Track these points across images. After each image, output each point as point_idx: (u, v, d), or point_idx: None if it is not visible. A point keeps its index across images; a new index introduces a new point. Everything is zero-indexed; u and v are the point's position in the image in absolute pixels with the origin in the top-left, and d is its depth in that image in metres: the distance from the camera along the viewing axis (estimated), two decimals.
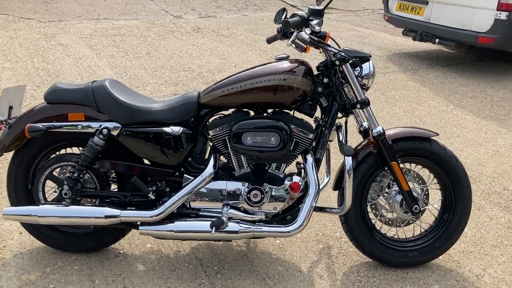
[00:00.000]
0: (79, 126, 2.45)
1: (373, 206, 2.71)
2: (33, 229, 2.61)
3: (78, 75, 5.87)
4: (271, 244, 2.85)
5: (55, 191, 2.60)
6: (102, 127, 2.42)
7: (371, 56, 2.56)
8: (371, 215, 2.71)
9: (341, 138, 2.55)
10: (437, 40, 6.56)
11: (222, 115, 2.54)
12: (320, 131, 2.57)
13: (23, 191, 2.57)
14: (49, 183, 2.60)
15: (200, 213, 2.53)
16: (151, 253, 2.74)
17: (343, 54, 2.45)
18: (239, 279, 2.56)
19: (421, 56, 7.40)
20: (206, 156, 2.60)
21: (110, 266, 2.62)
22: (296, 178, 2.50)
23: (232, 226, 2.44)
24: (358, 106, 2.49)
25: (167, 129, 2.45)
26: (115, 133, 2.44)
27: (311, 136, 2.50)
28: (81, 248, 2.67)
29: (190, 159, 2.55)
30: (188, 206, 2.53)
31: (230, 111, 2.54)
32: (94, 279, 2.52)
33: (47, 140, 2.53)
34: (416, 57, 7.32)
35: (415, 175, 2.68)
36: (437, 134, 2.59)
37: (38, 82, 5.57)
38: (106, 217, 2.41)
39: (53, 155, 2.60)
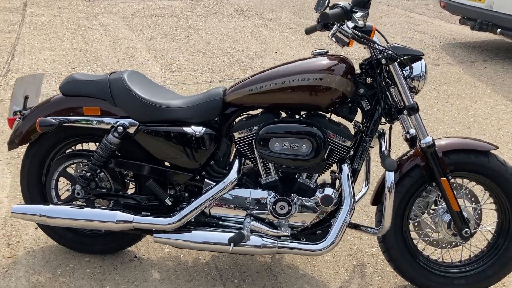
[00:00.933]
0: (94, 122, 2.25)
1: (416, 224, 2.39)
2: (46, 226, 2.46)
3: (114, 57, 5.74)
4: (299, 258, 2.60)
5: (67, 190, 2.43)
6: (117, 124, 2.22)
7: (423, 55, 2.21)
8: (413, 234, 2.40)
9: (383, 148, 2.24)
10: (498, 30, 5.99)
11: (249, 115, 2.28)
12: (360, 137, 2.27)
13: (37, 188, 2.42)
14: (63, 180, 2.44)
15: (220, 222, 2.30)
16: (169, 259, 2.54)
17: (390, 51, 2.12)
18: None
19: (479, 47, 6.82)
20: (231, 160, 2.36)
21: (124, 271, 2.45)
22: (328, 190, 2.21)
23: (254, 240, 2.19)
24: (405, 112, 2.16)
25: (188, 129, 2.22)
26: (131, 130, 2.24)
27: (348, 143, 2.20)
28: (95, 250, 2.51)
29: (212, 162, 2.31)
30: (208, 214, 2.31)
31: (259, 111, 2.28)
32: (105, 285, 2.35)
33: (61, 135, 2.35)
34: (473, 48, 6.76)
35: (467, 192, 2.34)
36: (497, 148, 2.23)
37: (74, 63, 5.48)
38: (118, 222, 2.22)
39: (67, 151, 2.42)
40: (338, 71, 2.12)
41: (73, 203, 2.39)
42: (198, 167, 2.29)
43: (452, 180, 2.27)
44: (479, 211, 2.35)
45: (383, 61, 2.13)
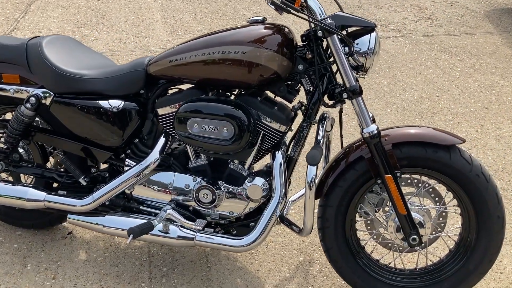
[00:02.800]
0: (11, 90, 2.08)
1: (368, 223, 2.08)
2: None
3: (124, 17, 5.57)
4: None
5: None
6: (30, 94, 2.03)
7: (375, 26, 1.84)
8: (362, 235, 2.09)
9: (319, 136, 1.92)
10: None
11: (177, 90, 2.03)
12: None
13: None
14: None
15: (142, 207, 2.09)
16: (102, 239, 2.39)
17: (329, 21, 1.77)
18: None
19: None
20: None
21: (51, 249, 2.32)
22: (258, 180, 1.94)
23: (172, 230, 1.98)
24: (345, 95, 1.82)
25: (104, 103, 2.00)
26: (47, 102, 2.05)
27: (282, 128, 1.90)
28: (24, 224, 2.39)
29: (137, 140, 2.09)
30: (131, 197, 2.11)
31: (187, 87, 2.01)
32: (27, 263, 2.24)
33: None
34: None
35: (430, 190, 1.99)
36: (463, 141, 1.85)
37: (81, 23, 5.36)
38: (29, 199, 2.06)
39: None
40: (269, 44, 1.81)
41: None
42: (119, 145, 2.08)
43: (407, 176, 1.94)
44: (444, 214, 2.00)
45: (319, 33, 1.78)
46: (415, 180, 1.97)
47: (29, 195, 2.06)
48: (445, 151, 1.85)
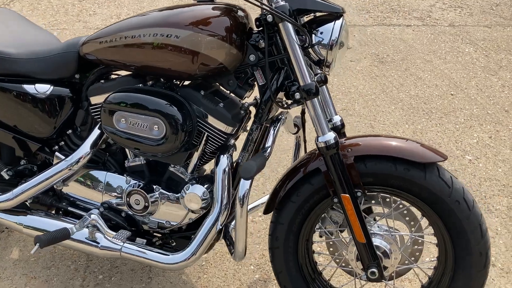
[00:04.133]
0: None
1: (331, 244, 1.76)
2: None
3: None
4: None
5: None
6: None
7: (343, 12, 1.50)
8: (322, 258, 1.78)
9: (267, 144, 1.61)
10: None
11: (112, 77, 1.75)
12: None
13: None
14: None
15: (70, 208, 1.84)
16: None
17: (282, 3, 1.44)
18: None
19: None
20: None
21: None
22: (197, 188, 1.65)
23: (98, 238, 1.72)
24: (297, 95, 1.49)
25: (29, 87, 1.74)
26: None
27: (229, 129, 1.60)
28: None
29: (70, 131, 1.83)
30: (61, 195, 1.86)
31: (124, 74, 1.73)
32: None
33: None
34: None
35: (405, 212, 1.65)
36: (444, 159, 1.51)
37: None
38: None
39: None
40: (213, 28, 1.50)
41: None
42: (50, 136, 1.82)
43: (375, 194, 1.61)
44: (420, 241, 1.66)
45: (269, 18, 1.46)
46: (387, 200, 1.65)
47: None
48: (419, 169, 1.51)
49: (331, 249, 1.77)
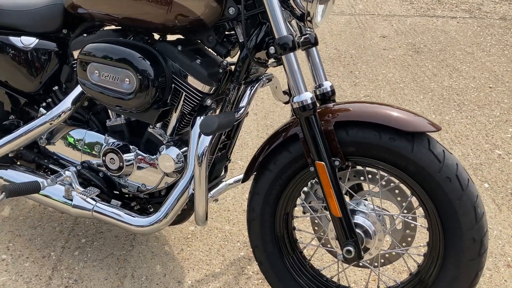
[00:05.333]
0: None
1: (315, 222, 1.63)
2: None
3: None
4: (177, 230, 2.01)
5: None
6: None
7: None
8: (302, 235, 1.65)
9: (242, 103, 1.49)
10: None
11: (94, 31, 1.70)
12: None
13: None
14: None
15: (51, 165, 1.80)
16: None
17: None
18: (94, 267, 1.83)
19: None
20: None
21: None
22: (171, 151, 1.56)
23: (68, 195, 1.68)
24: (272, 49, 1.37)
25: (15, 39, 1.73)
26: None
27: (206, 88, 1.51)
28: None
29: (56, 88, 1.80)
30: (44, 151, 1.83)
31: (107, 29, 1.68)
32: None
33: None
34: None
35: (396, 191, 1.49)
36: (436, 130, 1.34)
37: None
38: None
39: None
40: None
41: None
42: (35, 91, 1.80)
43: (360, 168, 1.47)
44: (412, 225, 1.50)
45: None
46: (376, 176, 1.49)
47: None
48: (407, 140, 1.34)
49: (316, 227, 1.64)
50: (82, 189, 1.63)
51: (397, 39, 4.01)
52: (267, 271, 1.61)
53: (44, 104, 1.82)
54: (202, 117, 1.53)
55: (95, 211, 1.64)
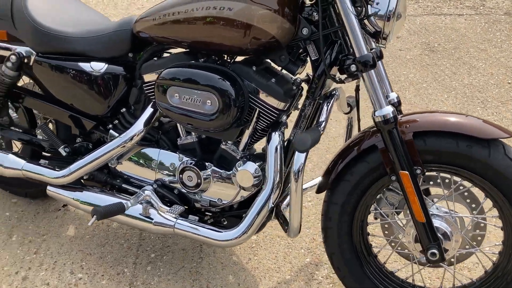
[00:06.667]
0: None
1: (386, 227, 1.71)
2: None
3: None
4: None
5: None
6: (11, 52, 1.86)
7: None
8: (376, 240, 1.74)
9: (321, 118, 1.57)
10: None
11: (164, 55, 1.76)
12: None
13: None
14: None
15: (124, 184, 1.86)
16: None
17: None
18: (169, 280, 1.89)
19: None
20: None
21: (41, 221, 2.18)
22: (249, 166, 1.64)
23: (152, 214, 1.74)
24: (353, 67, 1.45)
25: (85, 65, 1.78)
26: (29, 61, 1.86)
27: (281, 105, 1.58)
28: (19, 192, 2.27)
29: (124, 110, 1.86)
30: (115, 172, 1.89)
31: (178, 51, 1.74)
32: (13, 234, 2.11)
33: None
34: None
35: (466, 194, 1.58)
36: (509, 136, 1.43)
37: None
38: (7, 167, 1.91)
39: None
40: (266, 0, 1.48)
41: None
42: (104, 114, 1.86)
43: (434, 174, 1.55)
44: (482, 225, 1.59)
45: None
46: (446, 180, 1.58)
47: (7, 162, 1.91)
48: (483, 146, 1.44)
49: (386, 231, 1.72)
50: (168, 208, 1.69)
51: (411, 39, 4.11)
52: (345, 277, 1.69)
53: (110, 126, 1.88)
54: (277, 132, 1.60)
55: (177, 228, 1.70)
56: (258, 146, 1.77)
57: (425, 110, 1.58)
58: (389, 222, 1.67)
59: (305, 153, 1.48)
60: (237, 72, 1.58)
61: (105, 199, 1.80)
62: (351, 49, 1.50)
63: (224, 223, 1.79)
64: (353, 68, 1.44)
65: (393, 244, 1.70)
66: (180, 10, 1.55)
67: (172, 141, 1.82)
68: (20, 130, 2.04)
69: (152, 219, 1.72)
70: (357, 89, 1.69)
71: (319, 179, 1.85)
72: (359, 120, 1.76)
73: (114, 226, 2.15)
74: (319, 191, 1.66)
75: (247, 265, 1.96)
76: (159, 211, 1.72)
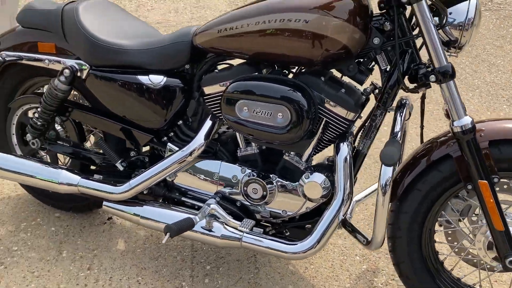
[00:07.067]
0: (46, 61, 1.88)
1: (449, 233, 1.72)
2: None
3: None
4: None
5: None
6: (64, 66, 1.82)
7: None
8: (442, 247, 1.74)
9: (396, 128, 1.57)
10: None
11: (225, 66, 1.74)
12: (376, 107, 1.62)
13: (2, 133, 2.15)
14: None
15: (184, 198, 1.84)
16: (143, 227, 2.17)
17: None
18: None
19: None
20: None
21: (89, 235, 2.14)
22: (317, 177, 1.62)
23: (215, 227, 1.72)
24: (432, 77, 1.45)
25: (143, 78, 1.75)
26: (82, 75, 1.83)
27: (351, 115, 1.57)
28: (63, 207, 2.23)
29: (180, 122, 1.83)
30: (172, 185, 1.86)
31: (238, 62, 1.72)
32: (62, 250, 2.07)
33: (22, 73, 2.03)
34: None
35: None
36: None
37: None
38: (61, 183, 1.87)
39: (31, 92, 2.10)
40: (339, 11, 1.47)
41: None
42: (161, 127, 1.83)
43: (506, 180, 1.56)
44: None
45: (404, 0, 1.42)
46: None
47: (62, 178, 1.87)
48: None
49: (449, 237, 1.73)
50: (239, 222, 1.68)
51: None
52: (414, 285, 1.69)
53: (165, 138, 1.85)
54: (345, 143, 1.60)
55: (244, 242, 1.69)
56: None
57: (496, 118, 1.60)
58: (456, 229, 1.67)
59: (392, 167, 1.47)
60: (307, 83, 1.57)
61: (166, 214, 1.77)
62: (419, 58, 1.50)
63: (286, 234, 1.78)
64: (432, 78, 1.44)
65: (457, 250, 1.71)
66: (250, 23, 1.53)
67: (230, 152, 1.80)
68: (68, 144, 2.00)
69: (218, 232, 1.70)
70: (423, 98, 1.68)
71: (374, 187, 1.85)
72: (422, 127, 1.75)
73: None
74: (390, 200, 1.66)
75: (305, 274, 1.96)
76: (226, 225, 1.70)
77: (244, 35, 1.56)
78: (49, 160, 2.10)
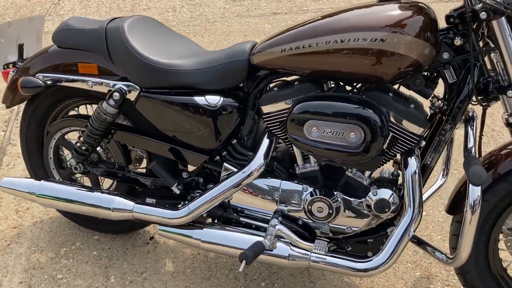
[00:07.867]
0: (89, 83, 1.80)
1: (509, 239, 1.74)
2: None
3: None
4: None
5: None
6: (114, 89, 1.74)
7: None
8: (506, 255, 1.76)
9: (469, 144, 1.57)
10: None
11: (283, 84, 1.69)
12: (439, 121, 1.61)
13: (38, 157, 2.05)
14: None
15: (242, 218, 1.80)
16: (187, 246, 2.12)
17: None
18: None
19: None
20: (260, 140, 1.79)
21: (134, 257, 2.08)
22: (385, 192, 1.61)
23: (280, 248, 1.69)
24: (510, 93, 1.45)
25: (200, 100, 1.69)
26: (132, 97, 1.75)
27: (420, 131, 1.56)
28: (102, 229, 2.15)
29: (235, 141, 1.78)
30: (228, 205, 1.82)
31: (296, 78, 1.67)
32: (110, 275, 2.01)
33: (59, 94, 1.93)
34: None
35: None
36: None
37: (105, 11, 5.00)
38: (115, 209, 1.80)
39: (68, 114, 2.01)
40: (411, 27, 1.45)
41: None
42: (215, 148, 1.78)
43: None
44: None
45: (483, 15, 1.40)
46: None
47: (115, 204, 1.80)
48: None
49: (508, 243, 1.75)
50: (313, 244, 1.65)
51: None
52: None
53: (217, 157, 1.80)
54: (413, 157, 1.58)
55: (312, 261, 1.67)
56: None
57: None
58: None
59: (480, 186, 1.47)
60: (376, 100, 1.54)
61: (228, 237, 1.74)
62: (488, 72, 1.51)
63: (348, 249, 1.77)
64: (510, 94, 1.44)
65: None
66: (319, 42, 1.49)
67: (287, 169, 1.77)
68: (113, 167, 1.92)
69: (284, 253, 1.68)
70: (484, 111, 1.68)
71: (440, 181, 1.84)
72: (481, 137, 1.75)
73: (211, 256, 2.09)
74: (452, 212, 1.67)
75: (361, 285, 1.96)
76: (293, 245, 1.67)
77: (313, 54, 1.52)
78: (90, 184, 2.02)
